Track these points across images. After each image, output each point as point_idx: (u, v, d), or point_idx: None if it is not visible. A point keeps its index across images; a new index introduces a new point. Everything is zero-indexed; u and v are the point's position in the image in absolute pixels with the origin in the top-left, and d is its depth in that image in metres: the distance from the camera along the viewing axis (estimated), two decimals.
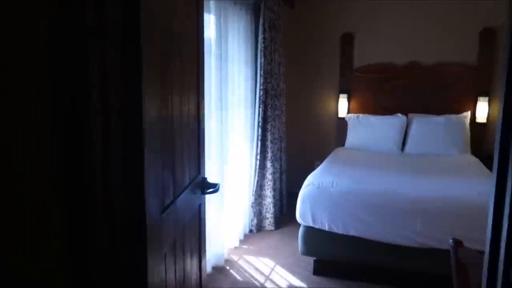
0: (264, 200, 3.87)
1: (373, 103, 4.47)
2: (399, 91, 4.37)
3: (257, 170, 3.74)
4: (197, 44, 1.72)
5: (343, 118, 4.52)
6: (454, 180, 2.90)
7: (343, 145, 4.48)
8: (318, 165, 4.75)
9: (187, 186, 1.62)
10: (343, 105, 4.52)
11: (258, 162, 3.74)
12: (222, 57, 2.96)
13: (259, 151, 3.73)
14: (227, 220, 3.27)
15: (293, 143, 4.76)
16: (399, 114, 4.25)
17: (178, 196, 1.49)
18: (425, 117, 4.16)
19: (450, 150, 3.96)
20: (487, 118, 4.07)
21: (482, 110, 4.06)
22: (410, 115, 4.26)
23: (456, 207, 2.53)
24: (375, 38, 4.44)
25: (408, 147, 4.14)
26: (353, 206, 2.72)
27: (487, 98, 4.03)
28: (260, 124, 3.70)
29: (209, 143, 2.89)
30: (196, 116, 1.73)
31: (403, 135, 4.18)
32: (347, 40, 4.50)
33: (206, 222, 1.91)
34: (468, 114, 4.12)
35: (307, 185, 2.92)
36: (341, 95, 4.53)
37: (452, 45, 4.19)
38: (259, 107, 3.68)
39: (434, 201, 2.59)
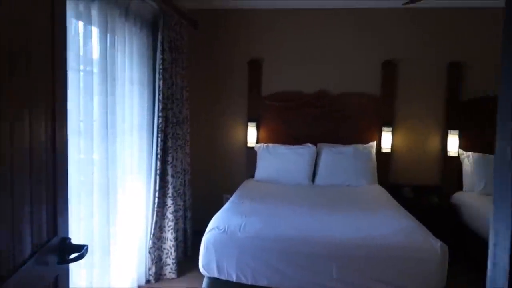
0: (165, 243, 3.35)
1: (283, 132, 4.28)
2: (308, 120, 4.24)
3: (155, 210, 3.22)
4: (52, 58, 1.25)
5: (252, 148, 4.24)
6: (368, 217, 2.73)
7: (253, 176, 4.18)
8: (227, 199, 4.40)
9: (28, 259, 1.11)
10: (252, 134, 4.25)
11: (157, 200, 3.24)
12: (108, 77, 2.46)
13: (158, 188, 3.23)
14: (116, 273, 2.70)
15: (199, 175, 4.34)
16: (309, 144, 4.10)
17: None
18: (334, 147, 4.07)
19: (359, 181, 3.90)
20: (391, 148, 4.11)
21: (387, 139, 4.09)
22: (319, 145, 4.14)
23: (373, 249, 2.32)
24: (283, 65, 4.30)
25: (318, 178, 3.99)
26: (264, 252, 2.37)
27: (390, 128, 4.07)
28: (159, 156, 3.22)
29: (90, 183, 2.34)
30: (51, 147, 1.24)
31: (313, 166, 4.02)
32: (255, 66, 4.29)
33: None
34: (374, 144, 4.12)
35: (211, 230, 2.50)
36: (249, 124, 4.26)
37: (357, 75, 4.22)
38: (158, 136, 3.21)
39: (350, 243, 2.36)
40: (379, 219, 2.66)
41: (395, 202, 3.22)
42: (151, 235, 3.20)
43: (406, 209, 3.08)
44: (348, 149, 4.02)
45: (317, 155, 4.05)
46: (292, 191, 3.67)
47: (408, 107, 4.16)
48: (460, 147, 4.00)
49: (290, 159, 4.01)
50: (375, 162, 4.04)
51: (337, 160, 3.99)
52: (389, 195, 3.55)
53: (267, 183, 3.96)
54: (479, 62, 4.02)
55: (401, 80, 4.15)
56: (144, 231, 3.23)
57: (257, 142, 4.26)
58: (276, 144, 4.17)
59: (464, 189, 3.95)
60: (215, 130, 4.43)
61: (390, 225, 2.52)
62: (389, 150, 4.10)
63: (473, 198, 3.73)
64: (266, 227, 2.51)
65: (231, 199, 3.31)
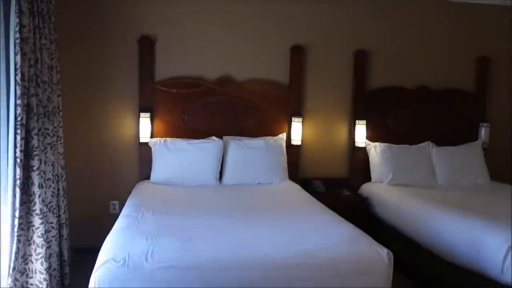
0: (32, 277, 2.48)
1: (183, 125, 3.65)
2: (212, 110, 3.69)
3: (15, 235, 2.33)
4: None
5: (146, 144, 3.51)
6: (300, 224, 2.32)
7: (147, 177, 3.48)
8: (114, 207, 3.64)
9: None
10: (145, 127, 3.52)
11: (17, 221, 2.34)
12: None
13: (18, 205, 2.34)
14: None
15: (78, 180, 3.47)
16: (214, 138, 3.56)
17: None
18: (241, 140, 3.60)
19: (271, 178, 3.52)
20: (302, 140, 3.82)
21: (297, 131, 3.78)
22: (225, 138, 3.63)
23: (318, 266, 1.92)
24: (181, 45, 3.64)
25: (226, 177, 3.49)
26: (184, 286, 1.78)
27: (300, 119, 3.77)
28: (18, 160, 2.33)
29: None
30: None
31: (220, 163, 3.50)
32: (147, 45, 3.55)
33: None
34: (284, 136, 3.78)
35: (104, 263, 1.80)
36: (142, 114, 3.51)
37: (265, 61, 3.80)
38: (16, 133, 2.31)
39: (288, 262, 1.92)
40: (313, 225, 2.28)
41: (318, 202, 2.90)
42: (10, 271, 2.30)
43: None
44: (259, 142, 3.60)
45: (224, 150, 3.54)
46: (199, 195, 3.10)
47: (317, 96, 3.91)
48: (367, 137, 3.92)
49: (192, 156, 3.42)
50: (286, 156, 3.70)
51: (246, 155, 3.53)
52: (306, 193, 3.25)
53: (167, 185, 3.31)
54: (383, 50, 3.97)
55: (310, 67, 3.88)
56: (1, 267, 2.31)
57: (151, 137, 3.55)
58: (175, 139, 3.52)
59: (372, 180, 3.88)
60: (97, 122, 3.56)
61: (329, 233, 2.16)
62: (299, 143, 3.81)
63: (382, 189, 3.66)
64: (182, 251, 1.91)
65: (125, 211, 2.59)
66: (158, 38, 3.59)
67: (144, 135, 3.52)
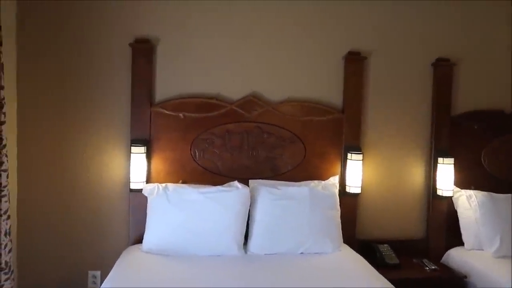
0: None
1: (193, 164, 2.56)
2: (234, 142, 2.60)
3: None
4: None
5: (139, 191, 2.43)
6: None
7: (139, 240, 2.38)
8: (94, 280, 2.59)
9: None
10: (138, 167, 2.44)
11: None
12: None
13: None
14: None
15: (42, 242, 2.44)
16: (237, 184, 2.44)
17: None
18: (276, 187, 2.48)
19: (321, 244, 2.39)
20: (362, 186, 2.66)
21: (354, 173, 2.63)
22: (252, 183, 2.52)
23: None
24: (192, 52, 2.60)
25: (254, 243, 2.35)
26: None
27: (360, 156, 2.62)
28: None
29: None
30: None
31: (245, 221, 2.38)
32: (143, 51, 2.52)
33: None
34: (336, 180, 2.64)
35: None
36: (134, 149, 2.44)
37: (309, 75, 2.72)
38: None
39: None
40: None
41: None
42: None
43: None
44: (301, 190, 2.47)
45: (251, 202, 2.42)
46: (214, 273, 2.03)
47: (382, 123, 2.78)
48: (454, 182, 2.73)
49: (205, 211, 2.31)
50: (339, 210, 2.55)
51: (283, 209, 2.41)
52: (379, 275, 2.08)
53: (165, 256, 2.20)
54: (472, 59, 2.84)
55: (373, 83, 2.77)
56: None
57: (148, 181, 2.47)
58: (180, 185, 2.43)
59: (466, 245, 2.66)
60: (70, 158, 2.51)
61: None
62: (358, 190, 2.65)
63: (487, 263, 2.44)
64: None
65: None
66: (160, 42, 2.56)
67: (137, 178, 2.44)
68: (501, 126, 2.84)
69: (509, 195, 2.68)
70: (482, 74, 2.86)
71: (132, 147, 2.44)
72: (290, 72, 2.70)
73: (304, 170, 2.64)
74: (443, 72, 2.78)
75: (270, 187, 2.47)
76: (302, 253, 2.34)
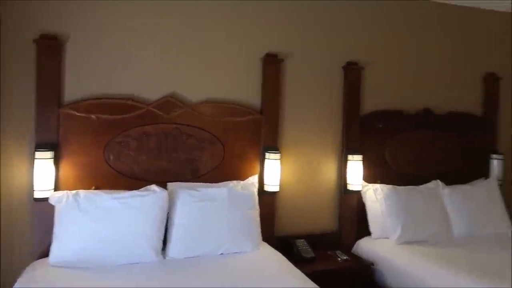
0: None
1: (107, 168, 2.43)
2: (151, 145, 2.53)
3: None
4: None
5: (45, 200, 2.25)
6: None
7: (45, 254, 2.21)
8: None
9: None
10: (44, 173, 2.26)
11: None
12: None
13: None
14: None
15: None
16: (155, 187, 2.38)
17: None
18: (196, 189, 2.46)
19: (240, 243, 2.42)
20: (280, 184, 2.75)
21: (272, 171, 2.71)
22: (171, 186, 2.47)
23: None
24: (105, 50, 2.47)
25: (173, 247, 2.32)
26: None
27: (278, 155, 2.71)
28: None
29: None
30: None
31: (163, 225, 2.33)
32: (51, 48, 2.33)
33: None
34: (255, 179, 2.69)
35: None
36: (39, 154, 2.25)
37: (228, 76, 2.74)
38: None
39: None
40: None
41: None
42: None
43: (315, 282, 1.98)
44: (220, 191, 2.48)
45: (169, 206, 2.37)
46: (130, 282, 1.93)
47: (298, 123, 2.90)
48: (364, 177, 2.94)
49: (120, 217, 2.21)
50: (259, 209, 2.61)
51: (202, 210, 2.39)
52: (297, 270, 2.18)
53: (75, 269, 2.07)
54: (380, 64, 3.06)
55: (289, 85, 2.87)
56: None
57: (56, 189, 2.30)
58: (92, 191, 2.30)
59: (373, 235, 2.89)
60: None
61: None
62: (276, 188, 2.73)
63: (391, 250, 2.67)
64: None
65: None
66: (70, 39, 2.39)
67: (43, 186, 2.25)
68: (401, 125, 3.12)
69: (410, 187, 2.96)
70: (385, 77, 3.11)
71: (36, 152, 2.25)
72: (210, 73, 2.69)
73: (224, 171, 2.66)
74: (353, 75, 2.97)
75: (189, 189, 2.44)
76: (222, 254, 2.35)
